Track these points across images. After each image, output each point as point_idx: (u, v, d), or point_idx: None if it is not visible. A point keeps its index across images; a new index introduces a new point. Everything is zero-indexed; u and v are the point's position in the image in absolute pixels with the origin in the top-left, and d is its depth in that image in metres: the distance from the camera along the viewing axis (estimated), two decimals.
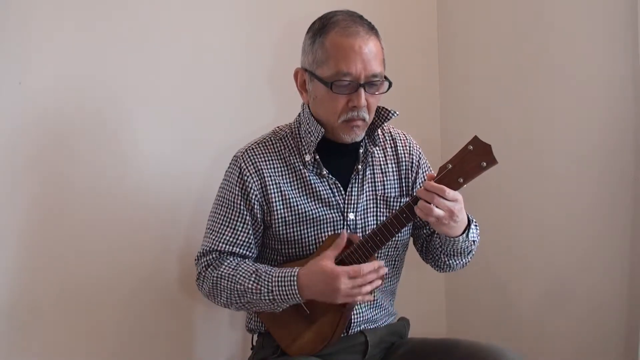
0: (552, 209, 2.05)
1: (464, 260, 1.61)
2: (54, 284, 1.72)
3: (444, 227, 1.44)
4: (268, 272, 1.49)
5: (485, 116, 2.21)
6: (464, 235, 1.49)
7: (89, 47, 1.74)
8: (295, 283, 1.44)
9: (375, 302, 1.61)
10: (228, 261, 1.55)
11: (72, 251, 1.74)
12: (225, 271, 1.52)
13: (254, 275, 1.49)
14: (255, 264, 1.54)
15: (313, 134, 1.54)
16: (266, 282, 1.47)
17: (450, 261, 1.61)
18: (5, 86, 1.64)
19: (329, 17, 1.50)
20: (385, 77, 1.50)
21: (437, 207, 1.37)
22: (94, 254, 1.77)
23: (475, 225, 1.57)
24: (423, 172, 1.67)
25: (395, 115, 1.56)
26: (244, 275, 1.50)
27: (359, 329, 1.59)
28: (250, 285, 1.48)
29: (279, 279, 1.46)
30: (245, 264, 1.53)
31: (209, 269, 1.56)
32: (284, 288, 1.45)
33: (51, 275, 1.72)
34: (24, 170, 1.68)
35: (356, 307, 1.56)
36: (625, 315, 1.89)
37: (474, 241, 1.55)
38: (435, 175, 1.40)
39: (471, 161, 1.35)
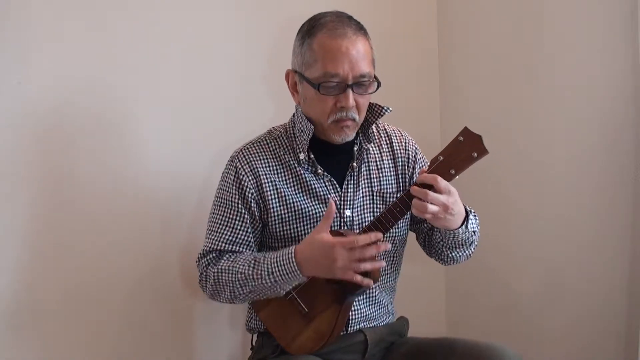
0: (552, 208, 2.04)
1: (467, 251, 1.61)
2: (55, 284, 1.73)
3: (441, 222, 1.43)
4: (266, 255, 1.49)
5: (485, 115, 2.21)
6: (463, 226, 1.49)
7: (88, 47, 1.75)
8: (294, 259, 1.43)
9: (374, 298, 1.60)
10: (226, 256, 1.56)
11: (73, 251, 1.75)
12: (224, 265, 1.53)
13: (252, 262, 1.49)
14: (253, 253, 1.55)
15: (305, 132, 1.55)
16: (265, 266, 1.46)
17: (453, 254, 1.60)
18: (5, 86, 1.64)
19: (317, 19, 1.51)
20: (375, 77, 1.50)
21: (431, 203, 1.37)
22: (94, 254, 1.78)
23: (475, 216, 1.56)
24: (420, 167, 1.66)
25: (389, 111, 1.56)
26: (242, 264, 1.50)
27: (358, 326, 1.58)
28: (250, 272, 1.48)
29: (277, 259, 1.45)
30: (242, 255, 1.54)
31: (209, 268, 1.57)
32: (283, 267, 1.44)
33: (52, 276, 1.72)
34: (24, 170, 1.68)
35: (354, 303, 1.56)
36: (625, 313, 1.88)
37: (474, 231, 1.55)
38: (427, 168, 1.40)
39: (462, 152, 1.36)
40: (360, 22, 1.53)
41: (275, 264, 1.45)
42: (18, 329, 1.69)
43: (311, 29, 1.49)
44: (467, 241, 1.55)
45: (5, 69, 1.64)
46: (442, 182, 1.37)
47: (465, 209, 1.49)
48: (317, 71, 1.47)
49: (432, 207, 1.38)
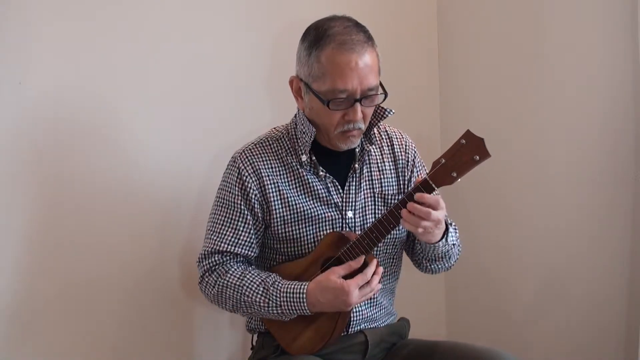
0: (552, 209, 2.04)
1: (446, 264, 1.63)
2: (55, 284, 1.73)
3: (428, 236, 1.45)
4: (276, 285, 1.49)
5: (485, 115, 2.21)
6: (443, 239, 1.51)
7: (89, 47, 1.74)
8: (305, 299, 1.46)
9: (374, 300, 1.61)
10: (233, 269, 1.55)
11: (73, 252, 1.75)
12: (231, 280, 1.53)
13: (261, 288, 1.50)
14: (261, 274, 1.54)
15: (307, 133, 1.55)
16: (275, 297, 1.48)
17: (433, 266, 1.63)
18: (5, 86, 1.64)
19: (324, 29, 1.47)
20: (381, 85, 1.50)
21: (428, 220, 1.40)
22: (95, 254, 1.78)
23: (455, 229, 1.59)
24: (417, 172, 1.67)
25: (391, 113, 1.56)
26: (250, 286, 1.51)
27: (358, 327, 1.59)
28: (258, 299, 1.49)
29: (288, 294, 1.47)
30: (250, 274, 1.53)
31: (213, 275, 1.56)
32: (292, 303, 1.47)
33: (52, 276, 1.72)
34: (24, 170, 1.68)
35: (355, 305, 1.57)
36: (625, 314, 1.88)
37: (453, 244, 1.57)
38: (430, 170, 1.40)
39: (464, 155, 1.35)
40: (362, 23, 1.51)
41: (285, 299, 1.47)
42: (18, 329, 1.69)
43: (319, 40, 1.46)
44: (446, 254, 1.57)
45: (5, 69, 1.64)
46: (441, 203, 1.40)
47: (445, 222, 1.50)
48: (325, 85, 1.46)
49: (426, 223, 1.40)
